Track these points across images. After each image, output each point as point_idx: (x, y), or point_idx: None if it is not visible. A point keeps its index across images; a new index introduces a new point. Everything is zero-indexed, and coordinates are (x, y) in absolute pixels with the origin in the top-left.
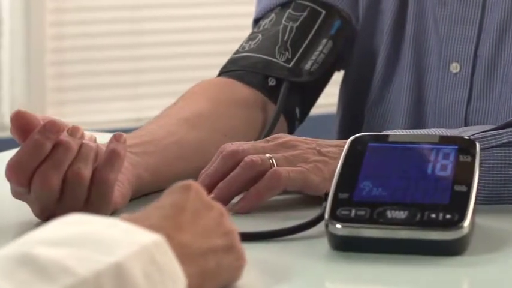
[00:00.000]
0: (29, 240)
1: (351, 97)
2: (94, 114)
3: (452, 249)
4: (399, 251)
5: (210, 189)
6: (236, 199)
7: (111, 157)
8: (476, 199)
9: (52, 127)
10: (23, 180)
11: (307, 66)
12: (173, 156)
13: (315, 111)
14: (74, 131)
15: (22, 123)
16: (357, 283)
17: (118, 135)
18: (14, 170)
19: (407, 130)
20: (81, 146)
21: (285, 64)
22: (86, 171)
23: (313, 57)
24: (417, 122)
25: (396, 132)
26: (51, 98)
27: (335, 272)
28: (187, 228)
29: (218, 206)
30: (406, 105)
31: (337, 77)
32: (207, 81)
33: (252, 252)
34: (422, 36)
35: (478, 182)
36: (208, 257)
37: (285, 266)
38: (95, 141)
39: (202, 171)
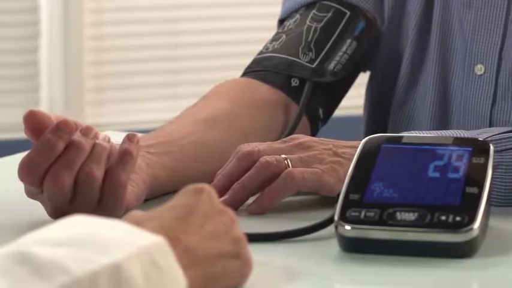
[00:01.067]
0: (28, 239)
1: (376, 98)
2: (132, 114)
3: (461, 252)
4: (409, 253)
5: (225, 189)
6: (251, 200)
7: (124, 157)
8: (489, 201)
9: (65, 127)
10: (35, 180)
11: (331, 66)
12: (190, 157)
13: (346, 112)
14: (87, 131)
15: (35, 123)
16: (364, 285)
17: (131, 135)
18: (26, 170)
19: (423, 132)
20: (94, 146)
21: (308, 64)
22: (98, 172)
23: (337, 58)
24: (442, 123)
25: (411, 134)
26: (90, 97)
27: (343, 274)
28: (195, 231)
29: (229, 212)
30: (431, 107)
31: (365, 78)
32: (229, 81)
33: (262, 252)
34: (447, 37)
35: (495, 184)
36: (214, 262)
37: (294, 266)
38: (108, 141)
39: (219, 171)
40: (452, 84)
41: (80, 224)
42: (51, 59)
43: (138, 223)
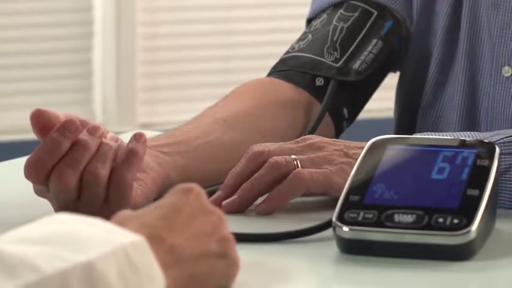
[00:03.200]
0: (4, 237)
1: (405, 99)
2: (184, 114)
3: (458, 254)
4: (406, 255)
5: (234, 189)
6: (261, 200)
7: (129, 156)
8: (492, 204)
9: (70, 126)
10: (40, 178)
11: (356, 65)
12: (204, 157)
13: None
14: (93, 130)
15: (41, 121)
16: (361, 286)
17: (138, 134)
18: (31, 169)
19: (433, 133)
20: (100, 145)
21: (332, 64)
22: (103, 171)
23: (362, 57)
24: (470, 126)
25: (420, 135)
26: (142, 97)
27: (341, 275)
28: (180, 231)
29: (217, 211)
30: (459, 109)
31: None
32: (253, 81)
33: (261, 253)
34: (475, 38)
35: (505, 187)
36: (199, 261)
37: (292, 267)
38: (116, 140)
39: (230, 171)
40: (480, 86)
41: (59, 222)
42: (104, 58)
43: (123, 222)
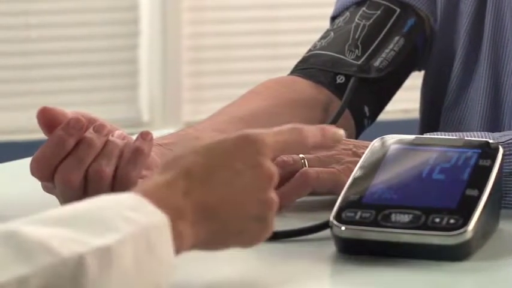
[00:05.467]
0: (26, 219)
1: (429, 98)
2: None
3: (454, 254)
4: (403, 255)
5: None
6: None
7: (135, 154)
8: (493, 204)
9: (76, 123)
10: (46, 175)
11: (377, 63)
12: None
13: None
14: (99, 128)
15: (48, 119)
16: (356, 286)
17: (145, 132)
18: (36, 165)
19: (438, 133)
20: (106, 143)
21: (353, 61)
22: (108, 168)
23: (383, 55)
24: (494, 125)
25: (424, 136)
26: (188, 95)
27: (337, 275)
28: (220, 187)
29: (270, 170)
30: (482, 108)
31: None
32: (272, 79)
33: (258, 252)
34: (499, 39)
35: (509, 189)
36: (233, 221)
37: (289, 266)
38: (123, 138)
39: None
40: (503, 86)
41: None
42: (150, 57)
43: (165, 169)
